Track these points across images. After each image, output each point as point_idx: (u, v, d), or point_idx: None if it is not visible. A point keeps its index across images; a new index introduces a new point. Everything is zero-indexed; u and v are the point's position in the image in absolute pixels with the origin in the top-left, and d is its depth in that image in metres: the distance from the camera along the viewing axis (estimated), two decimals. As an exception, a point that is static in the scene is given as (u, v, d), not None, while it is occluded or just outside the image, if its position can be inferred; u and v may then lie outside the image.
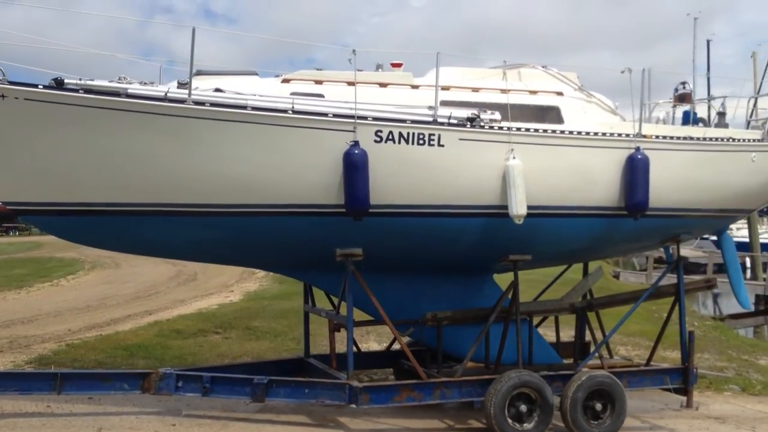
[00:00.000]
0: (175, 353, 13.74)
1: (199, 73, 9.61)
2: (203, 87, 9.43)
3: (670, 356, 14.43)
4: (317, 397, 9.54)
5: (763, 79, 45.34)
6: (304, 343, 11.72)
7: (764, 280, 30.30)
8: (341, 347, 12.81)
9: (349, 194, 9.12)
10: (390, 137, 9.30)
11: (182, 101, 8.91)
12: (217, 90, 9.45)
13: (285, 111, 9.15)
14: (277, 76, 10.28)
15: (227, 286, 25.34)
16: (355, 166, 9.07)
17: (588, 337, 12.03)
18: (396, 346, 12.05)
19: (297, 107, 9.23)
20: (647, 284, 27.74)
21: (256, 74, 10.21)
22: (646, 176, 10.08)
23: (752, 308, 13.25)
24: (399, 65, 10.54)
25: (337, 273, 9.81)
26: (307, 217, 9.37)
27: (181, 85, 9.30)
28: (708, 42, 46.22)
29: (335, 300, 10.76)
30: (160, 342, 14.71)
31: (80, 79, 9.02)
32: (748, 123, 12.00)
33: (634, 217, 10.25)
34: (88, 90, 8.80)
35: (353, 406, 9.37)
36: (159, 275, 28.41)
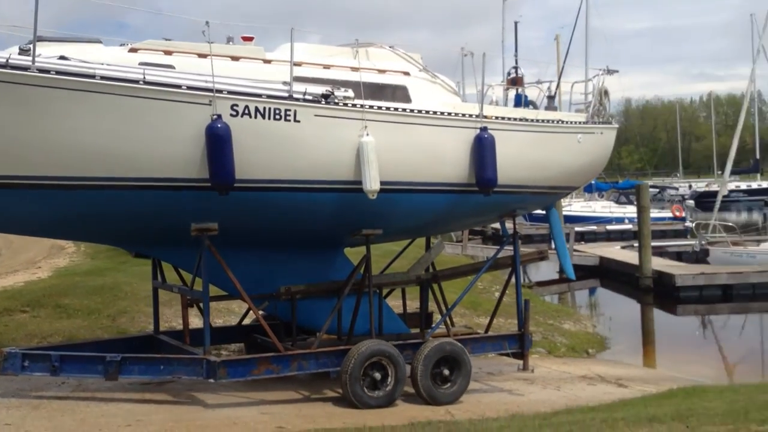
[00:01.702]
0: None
1: (40, 39, 9.07)
2: (45, 54, 8.92)
3: (483, 322, 14.90)
4: (173, 373, 9.42)
5: (565, 61, 48.68)
6: (153, 320, 11.43)
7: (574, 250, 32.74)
8: (173, 323, 12.64)
9: (214, 168, 8.99)
10: (246, 112, 9.25)
11: (26, 68, 8.40)
12: (62, 58, 8.97)
13: (136, 81, 8.86)
14: (122, 44, 9.91)
15: (34, 262, 23.69)
16: (219, 139, 8.95)
17: (431, 307, 12.55)
18: (247, 321, 12.05)
19: (149, 78, 8.96)
20: (462, 255, 29.25)
21: (100, 42, 9.77)
22: (493, 154, 10.59)
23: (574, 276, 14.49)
24: (250, 39, 10.44)
25: (192, 248, 9.65)
26: (168, 191, 9.14)
27: (23, 52, 8.75)
28: (516, 24, 48.85)
29: (186, 275, 10.59)
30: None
31: None
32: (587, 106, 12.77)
33: (485, 193, 10.75)
34: None
35: (211, 380, 9.33)
36: (-45, 252, 26.24)
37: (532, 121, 11.41)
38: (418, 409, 9.88)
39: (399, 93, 10.61)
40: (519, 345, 11.70)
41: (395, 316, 11.77)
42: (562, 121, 11.83)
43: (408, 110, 10.34)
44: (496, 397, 10.94)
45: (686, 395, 8.68)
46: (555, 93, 12.87)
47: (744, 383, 10.35)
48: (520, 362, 11.75)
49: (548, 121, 11.62)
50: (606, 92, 12.33)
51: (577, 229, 35.20)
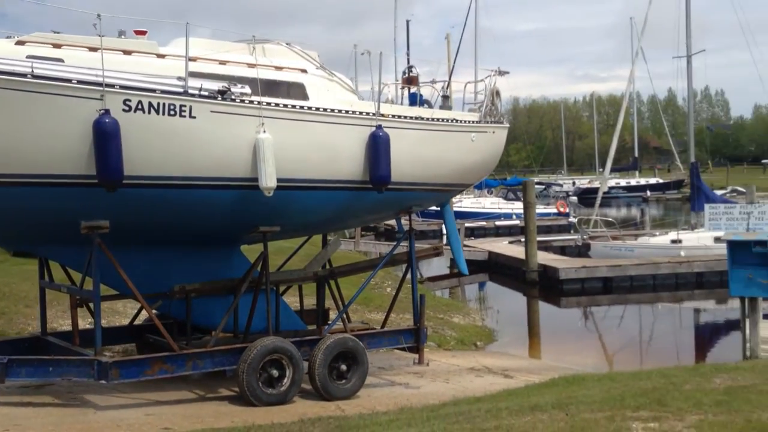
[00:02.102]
0: None
1: None
2: None
3: (375, 318, 15.37)
4: (63, 374, 9.22)
5: (455, 60, 49.74)
6: (40, 321, 11.12)
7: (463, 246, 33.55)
8: (54, 324, 12.25)
9: (101, 164, 8.82)
10: (140, 107, 9.13)
11: None
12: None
13: (24, 75, 8.63)
14: (8, 37, 9.60)
15: None
16: (106, 135, 8.79)
17: (328, 303, 12.70)
18: (139, 321, 11.89)
19: (37, 71, 8.74)
20: (355, 251, 29.56)
21: None
22: (387, 152, 10.78)
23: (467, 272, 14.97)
24: (143, 33, 10.28)
25: (81, 247, 9.47)
26: (55, 188, 8.92)
27: None
28: (408, 22, 49.56)
29: (75, 274, 10.36)
30: None
31: None
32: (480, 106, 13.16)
33: (378, 190, 10.92)
34: None
35: (103, 382, 9.18)
36: None
37: (427, 119, 11.64)
38: (308, 405, 9.98)
39: (296, 90, 10.65)
40: (415, 339, 12.00)
41: (292, 313, 11.87)
42: (457, 120, 12.12)
43: (305, 107, 10.40)
44: (386, 391, 11.16)
45: (567, 384, 9.15)
46: (448, 92, 13.17)
47: (621, 371, 10.97)
48: (413, 356, 12.02)
49: (443, 120, 11.89)
50: (498, 92, 12.73)
51: (467, 224, 36.13)
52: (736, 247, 12.09)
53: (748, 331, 12.14)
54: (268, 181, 9.72)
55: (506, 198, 48.49)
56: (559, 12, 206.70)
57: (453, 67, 46.45)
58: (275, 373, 9.96)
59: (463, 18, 52.36)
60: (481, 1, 56.13)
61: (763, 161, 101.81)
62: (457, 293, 25.77)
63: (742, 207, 13.03)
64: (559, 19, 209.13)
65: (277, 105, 10.14)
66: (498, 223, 42.51)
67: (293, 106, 10.31)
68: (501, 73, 12.69)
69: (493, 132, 12.60)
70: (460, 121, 12.17)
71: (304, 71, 10.96)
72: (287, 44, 11.36)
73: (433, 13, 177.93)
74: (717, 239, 22.71)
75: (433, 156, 11.62)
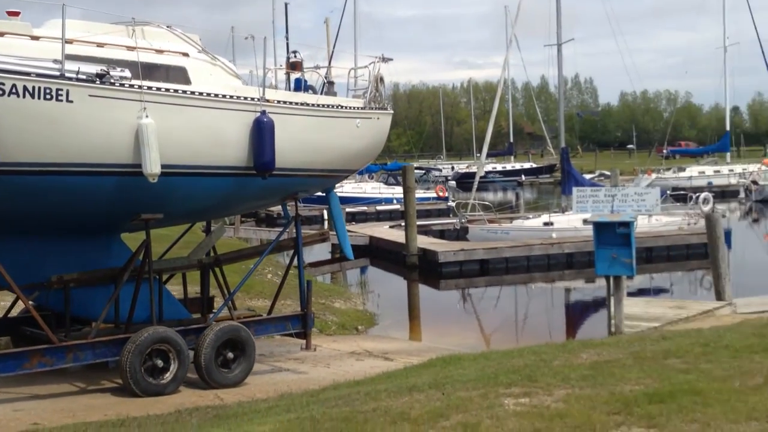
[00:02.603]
0: None
1: None
2: None
3: (256, 305, 15.41)
4: (-70, 371, 8.83)
5: (335, 45, 49.80)
6: None
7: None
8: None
9: None
10: (13, 91, 8.83)
11: None
12: None
13: None
14: None
15: None
16: None
17: (212, 291, 12.63)
18: (13, 313, 11.50)
19: None
20: (235, 238, 29.35)
21: None
22: (272, 138, 10.74)
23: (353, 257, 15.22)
24: (16, 14, 9.89)
25: None
26: None
27: None
28: (286, 5, 49.20)
29: None
30: None
31: None
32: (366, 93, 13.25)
33: (262, 177, 10.88)
34: None
35: (-25, 377, 8.90)
36: None
37: (312, 105, 11.65)
38: (185, 395, 9.93)
39: (178, 74, 10.46)
40: (302, 325, 12.07)
41: (176, 302, 11.74)
42: (341, 107, 12.18)
43: (188, 92, 10.25)
44: (267, 378, 11.20)
45: (444, 364, 9.49)
46: (328, 77, 13.23)
47: (495, 350, 11.44)
48: (295, 342, 12.06)
49: (328, 106, 11.93)
50: (381, 79, 12.82)
51: (348, 209, 36.40)
52: (601, 229, 12.78)
53: (612, 309, 12.89)
54: (153, 167, 9.57)
55: (387, 183, 49.08)
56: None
57: (333, 51, 46.51)
58: (159, 362, 9.88)
59: (343, 2, 52.51)
60: (361, -14, 56.29)
61: (629, 146, 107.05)
62: (339, 278, 26.00)
63: (607, 190, 13.72)
64: (438, 5, 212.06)
65: (159, 89, 9.96)
66: (379, 207, 43.01)
67: (175, 91, 10.14)
68: (384, 59, 12.81)
69: (378, 118, 12.73)
70: (345, 108, 12.24)
71: (185, 55, 10.78)
72: (168, 27, 11.13)
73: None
74: (585, 221, 23.85)
75: (318, 142, 11.65)
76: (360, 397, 7.50)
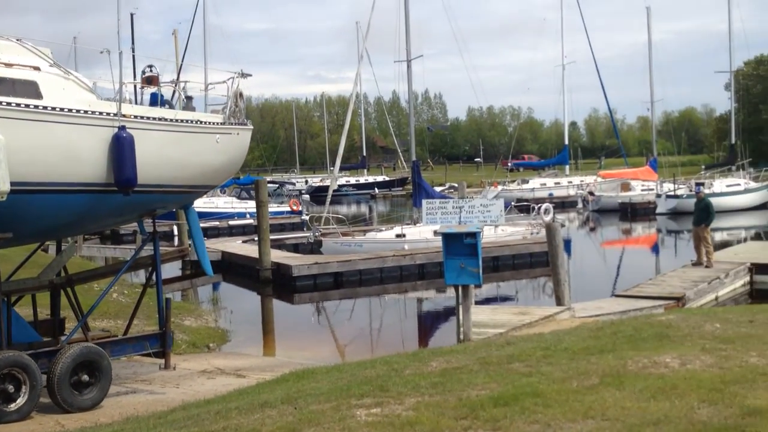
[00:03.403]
0: None
1: None
2: None
3: (102, 325, 14.81)
4: None
5: (184, 57, 48.83)
6: None
7: (190, 246, 32.78)
8: None
9: None
10: None
11: None
12: None
13: None
14: None
15: None
16: None
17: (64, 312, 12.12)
18: None
19: None
20: (78, 256, 28.03)
21: None
22: (132, 154, 10.46)
23: (212, 273, 14.85)
24: None
25: None
26: None
27: None
28: (132, 16, 47.79)
29: None
30: None
31: None
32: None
33: (124, 193, 10.58)
34: None
35: None
36: None
37: (171, 120, 11.42)
38: (23, 423, 9.42)
39: (28, 88, 9.97)
40: (161, 344, 11.74)
41: (25, 324, 11.20)
42: (201, 122, 12.02)
43: (40, 107, 9.80)
44: (111, 401, 10.79)
45: (297, 378, 9.41)
46: (178, 92, 12.99)
47: (349, 362, 11.49)
48: (148, 362, 11.64)
49: (188, 121, 11.74)
50: (241, 94, 12.73)
51: (200, 225, 35.55)
52: (449, 239, 13.11)
53: (461, 317, 13.24)
54: (2, 184, 9.10)
55: (240, 197, 48.43)
56: (290, 12, 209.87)
57: (182, 64, 45.48)
58: (11, 388, 9.40)
59: (192, 14, 51.56)
60: (210, -1, 55.53)
61: (476, 159, 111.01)
62: (190, 295, 25.36)
63: (455, 202, 14.14)
64: (289, 19, 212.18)
65: (8, 104, 9.47)
66: (231, 222, 42.39)
67: (26, 105, 9.67)
68: (244, 75, 12.74)
69: (238, 133, 12.67)
70: (205, 123, 12.09)
71: (37, 68, 10.27)
72: (18, 40, 10.60)
73: (161, 8, 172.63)
74: (435, 232, 24.45)
75: (178, 157, 11.45)
76: (210, 416, 7.32)
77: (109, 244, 34.32)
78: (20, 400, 9.49)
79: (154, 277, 12.13)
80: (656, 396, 6.55)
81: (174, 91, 12.72)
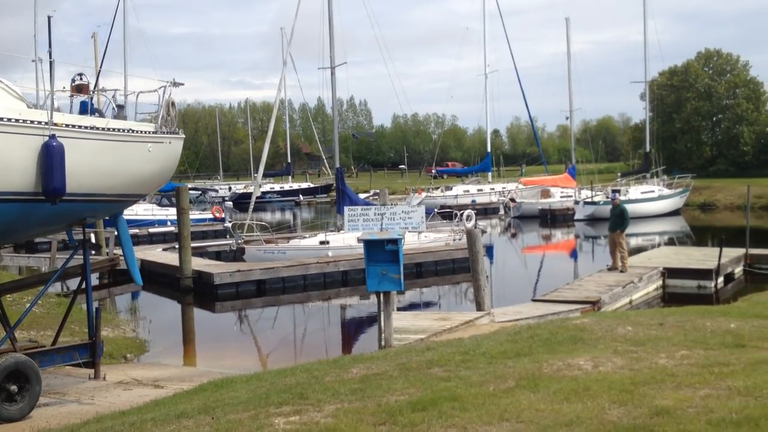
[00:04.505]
0: None
1: None
2: None
3: (20, 336, 14.33)
4: None
5: (103, 61, 47.83)
6: None
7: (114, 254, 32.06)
8: None
9: None
10: None
11: None
12: None
13: None
14: None
15: None
16: None
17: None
18: None
19: None
20: None
21: None
22: (62, 163, 10.31)
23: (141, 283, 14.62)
24: None
25: None
26: None
27: None
28: (49, 18, 46.50)
29: None
30: None
31: None
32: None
33: (52, 202, 10.43)
34: None
35: None
36: None
37: (102, 129, 11.31)
38: None
39: None
40: (90, 354, 11.67)
41: None
42: (133, 131, 11.93)
43: None
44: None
45: (216, 388, 9.29)
46: (116, 101, 12.85)
47: (269, 370, 11.39)
48: (66, 373, 11.36)
49: (119, 130, 11.64)
50: (173, 103, 12.74)
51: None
52: (371, 246, 13.15)
53: (383, 323, 13.29)
54: None
55: (160, 204, 47.51)
56: (215, 18, 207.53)
57: (101, 68, 44.52)
58: None
59: (112, 17, 50.45)
60: (129, 2, 54.43)
61: (401, 166, 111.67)
62: (106, 305, 24.73)
63: (377, 209, 14.24)
64: (212, 24, 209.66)
65: None
66: (152, 230, 41.58)
67: None
68: (176, 84, 12.71)
69: (170, 142, 12.63)
70: (137, 132, 12.00)
71: None
72: None
73: (81, 11, 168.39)
74: (359, 239, 24.48)
75: (109, 166, 11.37)
76: (124, 428, 7.17)
77: (23, 253, 33.15)
78: None
79: (83, 285, 12.05)
80: (569, 398, 6.72)
81: (113, 100, 12.56)
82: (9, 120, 10.07)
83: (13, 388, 10.01)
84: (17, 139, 10.15)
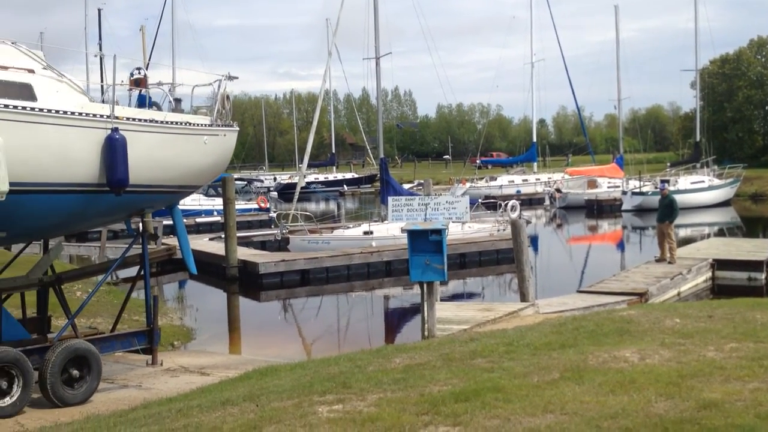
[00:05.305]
0: None
1: None
2: None
3: (88, 322, 14.88)
4: None
5: (152, 53, 48.44)
6: None
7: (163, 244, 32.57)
8: None
9: None
10: None
11: None
12: None
13: None
14: None
15: None
16: None
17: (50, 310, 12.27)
18: None
19: None
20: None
21: None
22: (125, 155, 10.63)
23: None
24: None
25: None
26: None
27: None
28: (99, 11, 47.32)
29: None
30: None
31: None
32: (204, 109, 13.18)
33: (116, 194, 10.74)
34: None
35: None
36: None
37: (161, 122, 11.60)
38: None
39: (23, 91, 10.10)
40: (148, 341, 12.07)
41: (15, 322, 11.29)
42: (190, 124, 12.18)
43: (36, 109, 9.89)
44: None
45: (261, 376, 9.40)
46: (173, 94, 13.07)
47: (312, 359, 11.47)
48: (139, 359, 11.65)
49: (177, 123, 11.90)
50: (228, 96, 12.97)
51: (165, 222, 35.28)
52: (415, 236, 13.11)
53: (426, 313, 13.28)
54: (1, 185, 9.22)
55: (207, 194, 48.00)
56: (260, 9, 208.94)
57: (149, 61, 45.16)
58: (4, 384, 9.55)
59: (160, 10, 51.13)
60: (177, -6, 55.05)
61: (445, 156, 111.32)
62: (155, 293, 25.11)
63: (421, 199, 14.20)
64: (258, 16, 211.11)
65: (6, 106, 9.57)
66: (198, 220, 42.07)
67: (23, 108, 9.75)
68: (230, 77, 12.89)
69: (225, 135, 12.85)
70: (193, 125, 12.24)
71: (31, 71, 10.38)
72: (13, 43, 10.70)
73: (131, 3, 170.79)
74: (402, 229, 24.45)
75: (167, 158, 11.63)
76: (171, 414, 7.28)
77: (74, 242, 33.83)
78: (13, 396, 9.66)
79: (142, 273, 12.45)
80: (615, 390, 6.64)
81: (170, 94, 12.81)
82: (73, 113, 10.36)
83: (75, 372, 10.35)
84: (81, 132, 10.45)
